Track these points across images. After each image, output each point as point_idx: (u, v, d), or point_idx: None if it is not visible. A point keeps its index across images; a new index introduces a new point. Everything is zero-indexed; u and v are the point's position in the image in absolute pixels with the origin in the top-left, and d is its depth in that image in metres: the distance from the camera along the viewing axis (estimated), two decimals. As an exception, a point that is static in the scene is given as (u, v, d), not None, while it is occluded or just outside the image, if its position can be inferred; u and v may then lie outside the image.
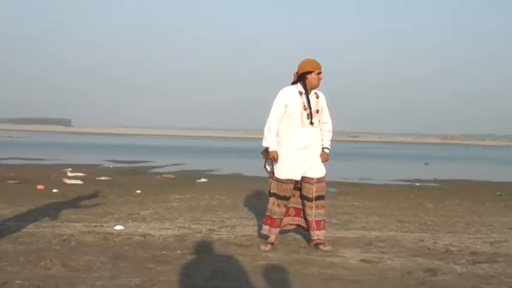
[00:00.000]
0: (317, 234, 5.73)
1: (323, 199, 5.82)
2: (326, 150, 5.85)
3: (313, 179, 5.69)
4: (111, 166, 20.83)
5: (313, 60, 5.72)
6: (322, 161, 5.80)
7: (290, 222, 5.93)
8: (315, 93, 5.74)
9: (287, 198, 5.75)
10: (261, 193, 10.87)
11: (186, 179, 15.21)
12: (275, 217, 5.76)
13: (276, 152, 5.72)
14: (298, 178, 5.68)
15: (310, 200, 5.70)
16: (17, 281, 4.25)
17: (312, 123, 5.67)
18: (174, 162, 24.09)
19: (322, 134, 5.88)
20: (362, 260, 5.24)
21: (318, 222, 5.72)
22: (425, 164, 31.40)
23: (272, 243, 5.74)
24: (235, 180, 15.67)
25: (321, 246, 5.68)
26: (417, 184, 16.42)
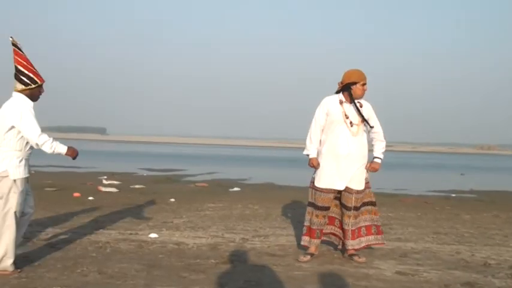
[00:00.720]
0: (351, 244, 5.67)
1: (372, 205, 5.79)
2: (377, 160, 5.76)
3: (352, 189, 5.64)
4: (145, 174, 21.05)
5: (359, 71, 5.68)
6: (371, 171, 5.74)
7: (324, 231, 5.88)
8: (359, 102, 5.69)
9: (326, 209, 5.69)
10: (294, 202, 10.84)
11: (219, 188, 15.26)
12: (314, 228, 5.73)
13: (315, 159, 5.71)
14: (338, 188, 5.62)
15: (348, 209, 5.65)
16: (55, 287, 4.33)
17: (353, 132, 5.62)
18: (207, 171, 24.19)
19: (374, 143, 5.84)
20: (397, 272, 5.17)
21: (353, 232, 5.67)
22: (461, 174, 30.85)
23: (312, 254, 5.71)
24: (267, 189, 15.65)
25: (355, 258, 5.62)
26: (453, 195, 16.11)
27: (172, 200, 11.23)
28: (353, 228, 5.67)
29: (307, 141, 5.81)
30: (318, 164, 5.70)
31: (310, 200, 5.81)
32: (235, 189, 14.98)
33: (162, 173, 22.07)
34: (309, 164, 5.80)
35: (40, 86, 4.95)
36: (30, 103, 4.89)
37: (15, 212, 4.74)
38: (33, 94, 4.93)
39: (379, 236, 5.83)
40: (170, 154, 50.31)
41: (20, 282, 4.46)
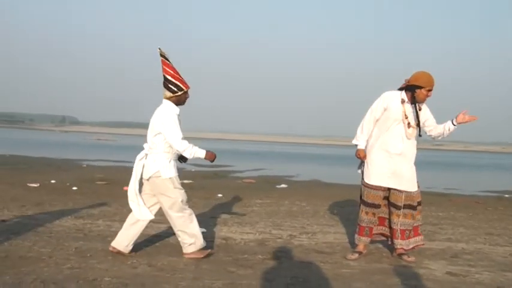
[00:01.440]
0: (400, 243, 5.58)
1: (414, 209, 5.61)
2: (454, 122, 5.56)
3: (401, 191, 5.55)
4: (193, 170, 21.25)
5: (428, 75, 5.52)
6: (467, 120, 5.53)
7: (375, 232, 5.82)
8: (418, 105, 5.57)
9: (376, 206, 5.62)
10: (341, 200, 10.76)
11: (266, 184, 15.29)
12: (363, 225, 5.67)
13: (362, 150, 5.65)
14: (387, 185, 5.55)
15: (398, 208, 5.55)
16: (106, 278, 4.44)
17: (409, 134, 5.52)
18: (254, 167, 24.27)
19: (438, 126, 5.67)
20: (448, 273, 5.08)
21: (402, 232, 5.57)
22: (515, 174, 30.01)
23: (360, 252, 5.66)
24: (315, 186, 15.57)
25: (404, 257, 5.54)
26: (507, 196, 15.64)
27: (220, 195, 11.32)
28: (402, 228, 5.57)
29: (358, 131, 5.73)
30: (365, 156, 5.64)
31: (361, 196, 5.77)
32: (282, 185, 14.98)
33: (209, 169, 22.23)
34: (356, 155, 5.73)
35: (186, 92, 5.34)
36: (177, 109, 5.31)
37: (182, 201, 5.29)
38: (180, 100, 5.35)
39: (422, 237, 5.76)
40: (218, 150, 50.62)
41: (72, 273, 4.59)
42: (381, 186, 5.55)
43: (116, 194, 10.97)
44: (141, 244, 5.86)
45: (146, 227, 6.94)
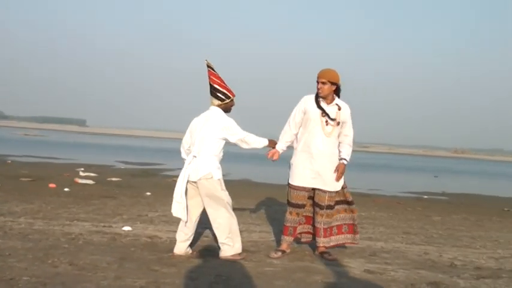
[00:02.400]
0: (323, 241, 5.70)
1: (331, 208, 5.71)
2: (343, 161, 5.65)
3: (326, 190, 5.64)
4: (122, 167, 20.88)
5: (323, 69, 5.62)
6: (339, 175, 5.62)
7: (301, 231, 5.90)
8: (337, 104, 5.63)
9: (300, 206, 5.69)
10: (269, 200, 10.86)
11: (196, 183, 15.20)
12: (287, 225, 5.75)
13: (276, 151, 5.75)
14: (310, 185, 5.63)
15: (321, 207, 5.65)
16: (24, 278, 4.29)
17: (327, 133, 5.59)
18: (185, 166, 24.08)
19: (341, 146, 5.72)
20: (366, 271, 5.22)
21: (325, 230, 5.69)
22: (434, 176, 31.19)
23: (283, 251, 5.72)
24: (244, 186, 15.63)
25: (326, 255, 5.66)
26: (425, 197, 16.30)
27: (148, 193, 11.17)
28: (325, 227, 5.68)
29: (280, 135, 5.83)
30: (273, 155, 5.73)
31: (287, 197, 5.84)
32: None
33: (139, 167, 21.91)
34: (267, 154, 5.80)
35: (232, 100, 5.61)
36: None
37: (228, 203, 5.49)
38: (227, 107, 5.62)
39: (349, 235, 5.85)
40: (149, 148, 49.99)
41: (-11, 272, 4.40)
42: (304, 187, 5.63)
43: (41, 191, 10.62)
44: (63, 242, 5.70)
45: (69, 225, 6.84)
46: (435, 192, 18.69)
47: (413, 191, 18.25)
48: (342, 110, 5.63)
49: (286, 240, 5.77)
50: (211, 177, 5.36)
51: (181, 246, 5.54)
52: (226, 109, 5.62)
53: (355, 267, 5.36)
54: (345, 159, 5.65)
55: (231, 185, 15.67)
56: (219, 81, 5.57)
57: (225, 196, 5.48)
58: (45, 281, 4.23)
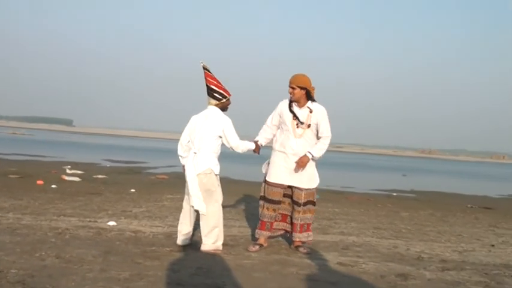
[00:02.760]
0: (299, 236, 5.73)
1: (312, 204, 5.77)
2: (308, 155, 5.60)
3: (302, 188, 5.67)
4: (108, 165, 20.70)
5: (294, 75, 5.66)
6: (299, 164, 5.59)
7: (276, 227, 5.92)
8: (308, 107, 5.65)
9: (276, 202, 5.71)
10: (247, 196, 10.86)
11: (178, 180, 15.12)
12: (265, 220, 5.76)
13: (258, 146, 5.79)
14: (286, 183, 5.66)
15: (299, 205, 5.68)
16: (12, 270, 4.23)
17: (298, 134, 5.62)
18: (169, 164, 23.97)
19: (316, 143, 5.72)
20: (339, 263, 5.25)
21: (301, 226, 5.72)
22: (403, 175, 31.51)
23: (260, 245, 5.74)
24: (223, 183, 15.41)
25: (301, 249, 5.69)
26: (395, 194, 16.45)
27: (133, 190, 11.10)
28: (301, 223, 5.72)
29: (259, 133, 5.96)
30: (256, 148, 5.77)
31: (261, 193, 5.84)
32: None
33: (124, 165, 21.76)
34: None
35: (228, 99, 5.65)
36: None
37: (219, 199, 5.55)
38: (224, 106, 5.65)
39: (310, 233, 5.88)
40: (134, 147, 49.66)
41: (-22, 265, 4.34)
42: (280, 184, 5.66)
43: (29, 187, 10.49)
44: (50, 237, 5.64)
45: (56, 220, 6.77)
46: (404, 189, 18.85)
47: (384, 189, 18.41)
48: (313, 112, 5.65)
49: (264, 234, 5.79)
50: (211, 173, 5.43)
51: (185, 238, 5.57)
52: (224, 108, 5.65)
53: (329, 259, 5.39)
54: (310, 153, 5.62)
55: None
56: (216, 82, 5.59)
57: (219, 192, 5.56)
58: (33, 274, 4.18)
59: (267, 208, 5.73)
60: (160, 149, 48.67)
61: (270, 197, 5.70)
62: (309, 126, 5.64)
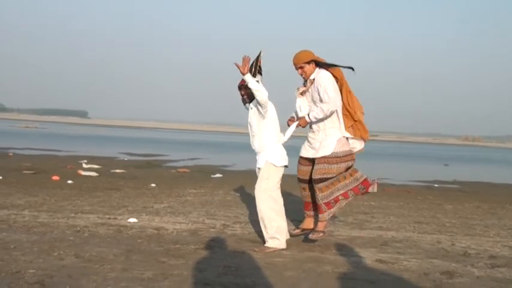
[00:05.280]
0: (319, 217, 5.70)
1: (321, 182, 5.56)
2: (305, 116, 5.62)
3: (316, 164, 5.63)
4: (126, 159, 20.93)
5: (295, 54, 5.68)
6: (295, 123, 5.68)
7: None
8: (310, 80, 5.66)
9: (300, 181, 5.87)
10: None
11: (200, 174, 15.25)
12: (304, 200, 5.94)
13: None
14: (304, 155, 5.77)
15: (315, 182, 5.60)
16: (30, 270, 4.30)
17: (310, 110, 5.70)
18: (190, 157, 24.13)
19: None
20: (377, 260, 5.21)
21: (319, 206, 5.63)
22: (445, 165, 31.12)
23: (302, 229, 5.91)
24: (250, 176, 15.57)
25: (310, 235, 5.65)
26: (436, 185, 16.27)
27: (153, 185, 11.21)
28: (319, 203, 5.61)
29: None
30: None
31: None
32: (217, 175, 14.99)
33: (143, 158, 21.97)
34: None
35: (239, 88, 5.74)
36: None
37: None
38: None
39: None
40: (152, 139, 50.08)
41: (-6, 265, 4.43)
42: (302, 157, 5.82)
43: (44, 183, 10.67)
44: (69, 235, 5.73)
45: (74, 217, 6.88)
46: (446, 180, 18.64)
47: (424, 180, 18.21)
48: (314, 81, 5.62)
49: (306, 214, 5.93)
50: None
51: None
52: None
53: (367, 256, 5.36)
54: (308, 115, 5.61)
55: (236, 175, 15.74)
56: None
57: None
58: (52, 274, 4.24)
59: (301, 188, 5.89)
60: (179, 141, 49.07)
61: (298, 175, 5.88)
62: (313, 102, 5.68)
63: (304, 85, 5.74)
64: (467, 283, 4.59)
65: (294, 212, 7.22)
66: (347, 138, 5.72)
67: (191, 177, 14.17)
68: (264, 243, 5.61)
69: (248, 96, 5.67)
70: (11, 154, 19.59)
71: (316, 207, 5.74)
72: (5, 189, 9.31)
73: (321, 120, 5.58)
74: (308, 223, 5.91)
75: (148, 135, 61.51)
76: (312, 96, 5.67)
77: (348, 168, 5.72)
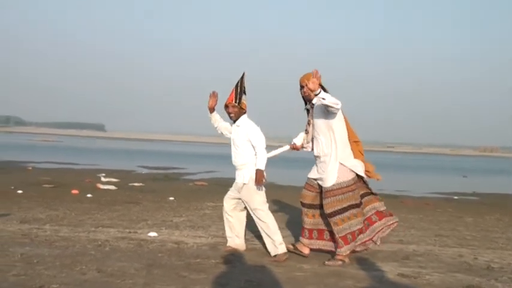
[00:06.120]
0: (337, 251, 5.60)
1: (339, 214, 5.51)
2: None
3: (320, 186, 5.69)
4: (143, 172, 21.05)
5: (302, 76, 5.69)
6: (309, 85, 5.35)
7: (312, 247, 5.89)
8: (312, 103, 5.68)
9: (305, 206, 5.87)
10: (294, 202, 10.82)
11: (218, 187, 15.24)
12: (303, 226, 5.93)
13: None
14: (311, 176, 5.81)
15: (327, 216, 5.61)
16: (54, 285, 4.33)
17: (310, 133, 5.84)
18: (207, 170, 24.18)
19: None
20: (399, 275, 5.16)
21: (337, 240, 5.57)
22: (463, 176, 30.78)
23: (301, 253, 5.88)
24: (268, 189, 15.52)
25: (327, 261, 5.58)
26: (455, 197, 16.11)
27: (172, 198, 11.25)
28: (336, 236, 5.60)
29: None
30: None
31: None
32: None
33: (160, 171, 22.07)
34: None
35: (226, 107, 5.93)
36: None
37: None
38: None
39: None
40: (168, 152, 50.27)
41: (18, 280, 4.44)
42: (309, 178, 5.88)
43: (64, 197, 10.77)
44: (90, 249, 5.76)
45: (95, 231, 6.91)
46: (465, 192, 18.47)
47: (442, 192, 18.06)
48: (316, 97, 5.47)
49: (303, 241, 5.91)
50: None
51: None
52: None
53: (388, 271, 5.31)
54: (320, 94, 5.33)
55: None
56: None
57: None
58: (75, 289, 4.27)
59: (303, 213, 5.90)
60: (196, 154, 49.15)
61: (301, 199, 5.90)
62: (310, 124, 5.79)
63: (306, 108, 5.82)
64: (492, 298, 4.54)
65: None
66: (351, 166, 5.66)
67: (209, 190, 14.19)
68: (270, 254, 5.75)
69: (235, 114, 5.87)
70: (31, 168, 19.79)
71: (314, 234, 5.86)
72: (26, 203, 9.41)
73: (330, 109, 5.35)
74: (302, 246, 5.87)
75: (165, 148, 61.76)
76: (313, 115, 5.69)
77: (363, 196, 5.74)
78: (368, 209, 5.72)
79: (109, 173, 18.48)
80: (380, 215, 5.74)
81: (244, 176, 5.95)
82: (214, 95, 6.03)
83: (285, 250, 5.69)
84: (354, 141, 5.73)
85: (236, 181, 6.09)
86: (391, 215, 5.81)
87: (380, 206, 5.77)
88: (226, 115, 6.02)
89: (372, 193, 5.80)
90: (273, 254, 5.71)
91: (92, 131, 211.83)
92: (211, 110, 6.10)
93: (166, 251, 5.89)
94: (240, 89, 5.85)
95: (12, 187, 12.15)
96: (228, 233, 6.15)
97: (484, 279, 5.15)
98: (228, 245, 6.10)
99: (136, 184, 14.78)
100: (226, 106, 5.91)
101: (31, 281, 4.42)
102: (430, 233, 8.02)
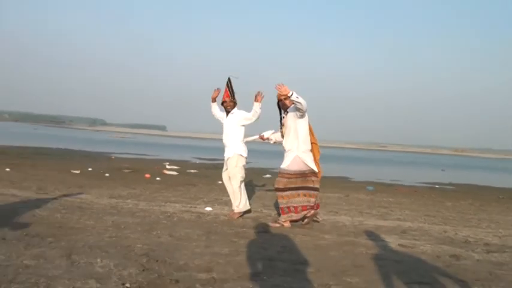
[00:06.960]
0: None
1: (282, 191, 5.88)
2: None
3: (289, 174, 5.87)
4: (197, 162, 21.16)
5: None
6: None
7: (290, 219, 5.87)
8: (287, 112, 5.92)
9: (276, 190, 5.91)
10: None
11: (254, 174, 15.17)
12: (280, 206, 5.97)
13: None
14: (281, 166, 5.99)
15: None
16: (138, 245, 4.37)
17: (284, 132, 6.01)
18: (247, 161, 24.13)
19: None
20: (400, 245, 5.07)
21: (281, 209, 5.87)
22: (442, 170, 30.24)
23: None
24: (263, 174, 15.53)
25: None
26: (437, 186, 15.80)
27: (220, 182, 11.22)
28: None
29: None
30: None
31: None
32: (267, 175, 14.95)
33: (211, 162, 22.16)
34: None
35: (224, 101, 6.34)
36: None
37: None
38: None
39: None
40: (217, 147, 50.43)
41: (111, 240, 4.49)
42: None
43: (139, 179, 10.89)
44: (162, 219, 5.80)
45: (164, 205, 6.96)
46: (444, 182, 18.10)
47: (426, 182, 17.73)
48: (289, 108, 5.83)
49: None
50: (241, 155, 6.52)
51: None
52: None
53: (391, 241, 5.22)
54: (292, 92, 5.47)
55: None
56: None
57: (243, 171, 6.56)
58: (153, 248, 4.29)
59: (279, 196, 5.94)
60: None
61: (276, 185, 5.98)
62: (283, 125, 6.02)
63: (281, 117, 5.98)
64: (470, 265, 4.42)
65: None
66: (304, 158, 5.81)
67: (247, 177, 14.15)
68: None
69: (231, 107, 6.32)
70: (113, 157, 20.08)
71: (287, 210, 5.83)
72: (112, 184, 9.55)
73: (299, 105, 5.52)
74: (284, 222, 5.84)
75: (213, 144, 62.02)
76: (288, 122, 5.85)
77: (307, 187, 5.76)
78: (302, 200, 5.76)
79: (171, 162, 18.63)
80: (305, 208, 5.78)
81: (230, 151, 6.35)
82: (217, 90, 6.36)
83: (238, 212, 6.21)
84: (313, 143, 5.90)
85: (225, 155, 6.50)
86: (313, 208, 5.80)
87: (310, 201, 5.77)
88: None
89: (312, 188, 5.78)
90: (233, 210, 6.27)
91: (155, 130, 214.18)
92: (213, 100, 6.45)
93: (220, 222, 5.91)
94: (231, 89, 6.29)
95: (102, 171, 12.35)
96: (231, 198, 6.41)
97: (463, 250, 5.04)
98: (231, 209, 6.42)
99: (192, 171, 14.86)
100: (224, 101, 6.32)
101: (121, 241, 4.47)
102: (420, 213, 7.88)
